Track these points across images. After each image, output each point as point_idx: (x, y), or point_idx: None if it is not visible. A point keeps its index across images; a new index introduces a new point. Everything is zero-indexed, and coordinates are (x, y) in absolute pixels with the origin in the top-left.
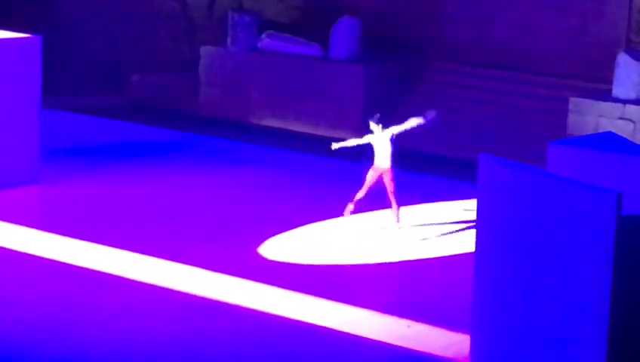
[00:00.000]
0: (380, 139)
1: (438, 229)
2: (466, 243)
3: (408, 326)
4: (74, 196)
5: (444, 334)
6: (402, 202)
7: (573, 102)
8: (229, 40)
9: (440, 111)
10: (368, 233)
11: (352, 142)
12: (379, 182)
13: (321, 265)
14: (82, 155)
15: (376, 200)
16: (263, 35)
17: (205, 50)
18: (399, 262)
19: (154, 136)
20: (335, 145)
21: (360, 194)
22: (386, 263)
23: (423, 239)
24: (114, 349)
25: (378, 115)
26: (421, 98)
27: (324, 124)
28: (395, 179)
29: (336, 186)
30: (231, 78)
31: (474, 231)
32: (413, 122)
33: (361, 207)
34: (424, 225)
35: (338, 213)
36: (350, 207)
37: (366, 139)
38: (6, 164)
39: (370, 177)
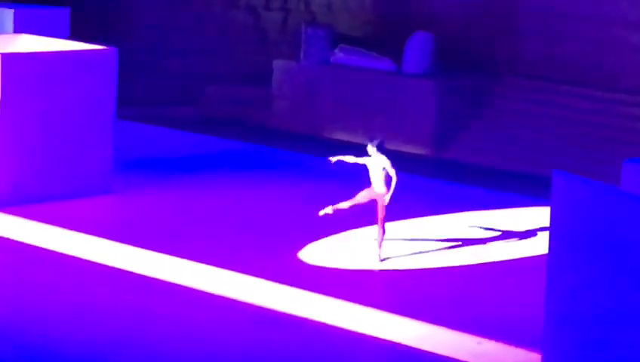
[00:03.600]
0: (375, 164)
1: (508, 245)
2: (536, 260)
3: (479, 343)
4: (146, 206)
5: (515, 352)
6: (475, 218)
7: None
8: (302, 53)
9: (513, 127)
10: (431, 242)
11: (350, 158)
12: (370, 204)
13: (390, 281)
14: (155, 166)
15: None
16: (336, 49)
17: (278, 64)
18: (467, 277)
19: (226, 148)
20: (333, 159)
21: (343, 205)
22: (454, 281)
23: (493, 257)
24: (175, 354)
25: (378, 141)
26: (493, 113)
27: (396, 139)
28: (391, 205)
29: (399, 199)
30: (303, 92)
31: (546, 249)
32: (393, 175)
33: (340, 217)
34: (494, 238)
35: (408, 228)
36: (329, 210)
37: (363, 160)
38: (80, 173)
39: (362, 196)
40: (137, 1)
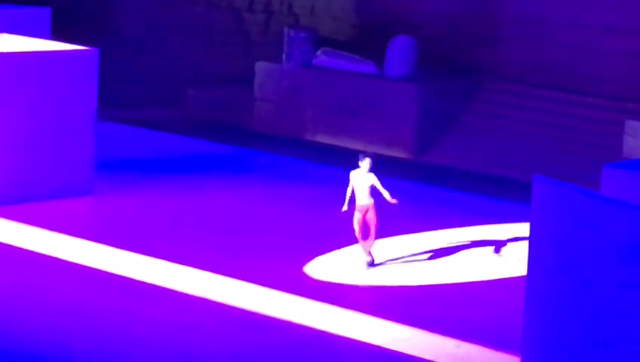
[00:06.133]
0: (363, 180)
1: (488, 251)
2: (517, 265)
3: (458, 346)
4: (128, 208)
5: (494, 355)
6: (456, 223)
7: (630, 125)
8: (284, 56)
9: (495, 132)
10: (416, 254)
11: (349, 191)
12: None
13: (368, 285)
14: (137, 168)
15: (419, 222)
16: (318, 52)
17: (260, 66)
18: (448, 283)
19: (208, 150)
20: (344, 208)
21: (361, 242)
22: (434, 284)
23: (473, 261)
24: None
25: (370, 160)
26: (476, 118)
27: (378, 142)
28: (380, 213)
29: (381, 203)
30: (285, 94)
31: (525, 253)
32: (386, 194)
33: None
34: (475, 246)
35: (389, 232)
36: (367, 258)
37: (351, 182)
38: (61, 174)
39: (358, 220)
40: (120, 2)
